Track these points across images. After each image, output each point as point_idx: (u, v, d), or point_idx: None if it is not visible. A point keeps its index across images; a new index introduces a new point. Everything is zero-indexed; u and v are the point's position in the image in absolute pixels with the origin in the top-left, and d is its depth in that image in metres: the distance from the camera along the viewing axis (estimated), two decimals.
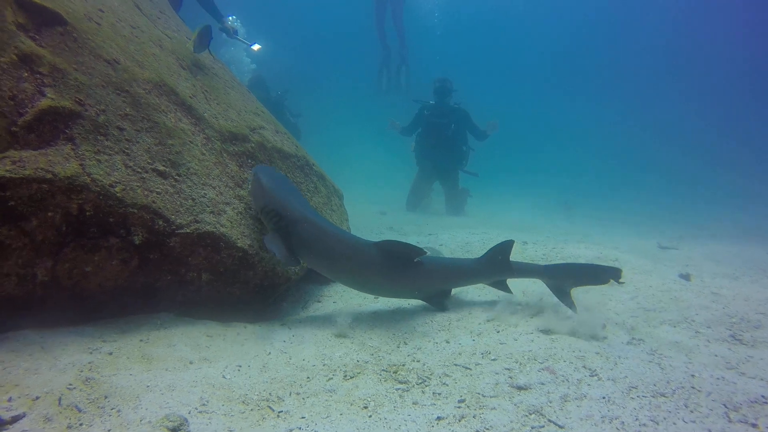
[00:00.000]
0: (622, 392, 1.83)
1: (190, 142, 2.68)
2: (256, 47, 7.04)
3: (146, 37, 2.95)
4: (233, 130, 3.07)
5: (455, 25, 30.42)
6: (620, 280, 2.76)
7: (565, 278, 2.84)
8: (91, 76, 2.31)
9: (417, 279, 2.80)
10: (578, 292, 2.92)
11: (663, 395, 1.81)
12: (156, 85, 2.67)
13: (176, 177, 2.47)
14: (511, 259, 2.90)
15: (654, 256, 5.15)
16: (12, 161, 1.92)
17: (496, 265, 2.88)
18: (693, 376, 1.97)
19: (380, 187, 11.65)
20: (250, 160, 3.11)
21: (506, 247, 2.86)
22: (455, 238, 5.80)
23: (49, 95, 2.10)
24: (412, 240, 5.74)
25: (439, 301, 2.93)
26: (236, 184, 2.87)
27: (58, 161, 2.04)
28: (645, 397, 1.80)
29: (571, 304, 2.76)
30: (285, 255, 2.53)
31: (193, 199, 2.49)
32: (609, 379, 1.93)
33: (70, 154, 2.09)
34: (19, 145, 1.98)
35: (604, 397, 1.79)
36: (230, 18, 6.17)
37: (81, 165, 2.10)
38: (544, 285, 2.93)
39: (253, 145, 3.17)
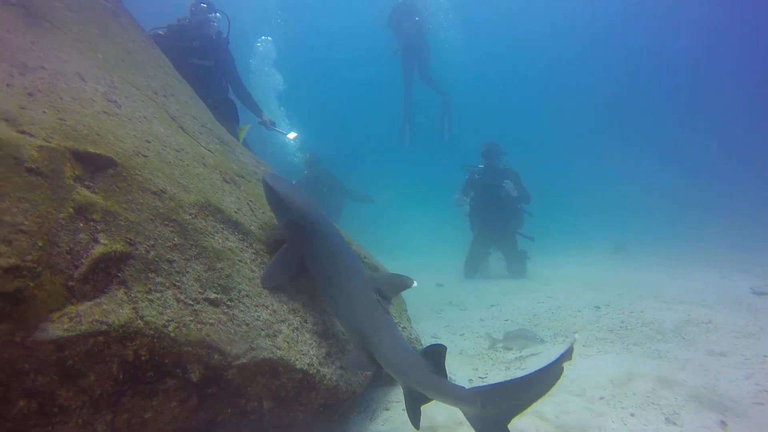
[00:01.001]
0: None
1: (239, 261, 2.62)
2: (291, 135, 7.27)
3: (190, 157, 3.01)
4: (281, 239, 3.01)
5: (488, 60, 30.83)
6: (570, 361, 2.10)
7: (504, 406, 2.08)
8: (140, 212, 2.32)
9: (373, 326, 2.40)
10: (674, 368, 2.53)
11: None
12: (202, 206, 2.67)
13: (228, 303, 2.39)
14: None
15: (753, 308, 4.57)
16: (69, 318, 1.88)
17: (424, 372, 2.17)
18: None
19: (433, 254, 11.40)
20: None
21: (439, 350, 2.17)
22: (520, 309, 5.43)
23: (102, 241, 2.10)
24: (474, 314, 5.43)
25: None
26: (290, 297, 2.76)
27: (112, 309, 1.99)
28: None
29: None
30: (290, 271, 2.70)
31: (247, 324, 2.38)
32: None
33: (123, 298, 2.05)
34: (76, 299, 1.95)
35: None
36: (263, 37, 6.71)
37: (134, 309, 2.04)
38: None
39: None
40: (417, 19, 11.67)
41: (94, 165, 2.29)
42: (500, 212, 8.29)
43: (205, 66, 6.02)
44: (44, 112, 2.35)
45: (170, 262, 2.30)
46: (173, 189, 2.58)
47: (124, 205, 2.28)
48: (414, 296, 5.45)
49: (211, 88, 5.99)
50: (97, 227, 2.13)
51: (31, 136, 2.13)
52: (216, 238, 2.60)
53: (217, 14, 6.06)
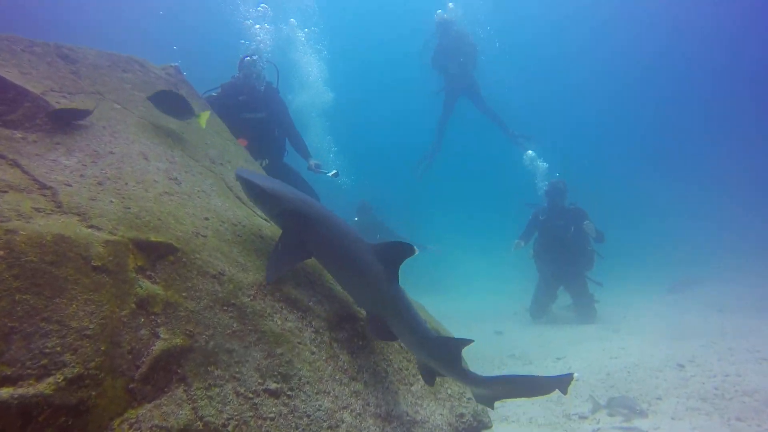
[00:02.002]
0: None
1: (298, 343, 2.52)
2: (332, 173, 7.23)
3: (247, 231, 3.00)
4: (340, 312, 2.91)
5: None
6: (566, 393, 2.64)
7: (497, 392, 2.83)
8: (199, 300, 2.29)
9: (386, 296, 2.68)
10: None
11: None
12: (260, 286, 2.61)
13: (288, 393, 2.28)
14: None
15: None
16: (129, 425, 1.83)
17: (443, 355, 2.68)
18: None
19: (490, 296, 10.96)
20: (360, 342, 2.89)
21: (463, 343, 2.66)
22: (591, 365, 5.00)
23: (162, 336, 2.06)
24: (539, 370, 5.06)
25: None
26: (351, 378, 2.62)
27: (172, 410, 1.92)
28: None
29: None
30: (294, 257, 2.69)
31: (309, 416, 2.26)
32: None
33: (182, 397, 1.98)
34: (137, 402, 1.91)
35: None
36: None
37: (193, 409, 1.96)
38: None
39: (362, 322, 2.97)
40: (462, 60, 11.55)
41: (156, 253, 2.29)
42: (568, 253, 7.85)
43: (256, 119, 6.12)
44: (111, 201, 2.40)
45: (229, 352, 2.23)
46: (232, 270, 2.55)
47: (183, 294, 2.25)
48: (472, 347, 5.17)
49: (264, 139, 6.08)
50: (158, 320, 2.10)
51: (99, 229, 2.16)
52: (275, 319, 2.52)
53: (263, 65, 6.19)
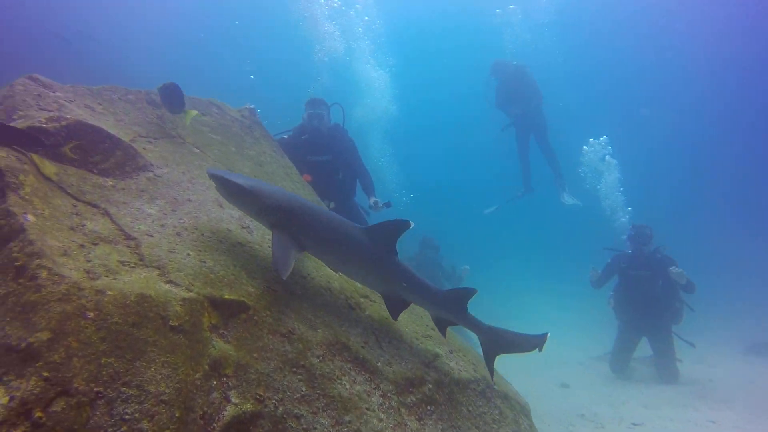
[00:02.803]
0: None
1: (366, 410, 2.39)
2: (385, 205, 7.11)
3: (316, 283, 2.95)
4: (408, 374, 2.77)
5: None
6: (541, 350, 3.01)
7: (499, 343, 3.05)
8: (269, 361, 2.23)
9: (389, 273, 2.83)
10: None
11: None
12: (329, 345, 2.53)
13: None
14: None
15: None
16: None
17: (452, 306, 2.97)
18: None
19: (554, 335, 10.32)
20: (429, 407, 2.72)
21: (469, 293, 2.94)
22: None
23: (233, 400, 2.01)
24: None
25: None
26: None
27: None
28: None
29: (491, 369, 3.11)
30: (291, 252, 2.51)
31: None
32: None
33: None
34: None
35: None
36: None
37: None
38: None
39: (430, 386, 2.81)
40: (526, 102, 11.22)
41: (229, 311, 2.28)
42: (654, 306, 7.08)
43: (321, 161, 6.19)
44: (188, 254, 2.43)
45: (298, 418, 2.14)
46: (301, 327, 2.49)
47: (254, 354, 2.20)
48: (536, 401, 4.79)
49: (329, 183, 6.12)
50: (229, 383, 2.05)
51: (177, 285, 2.17)
52: (343, 382, 2.42)
53: (327, 107, 6.26)
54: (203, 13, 25.63)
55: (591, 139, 13.55)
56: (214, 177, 2.68)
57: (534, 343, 3.02)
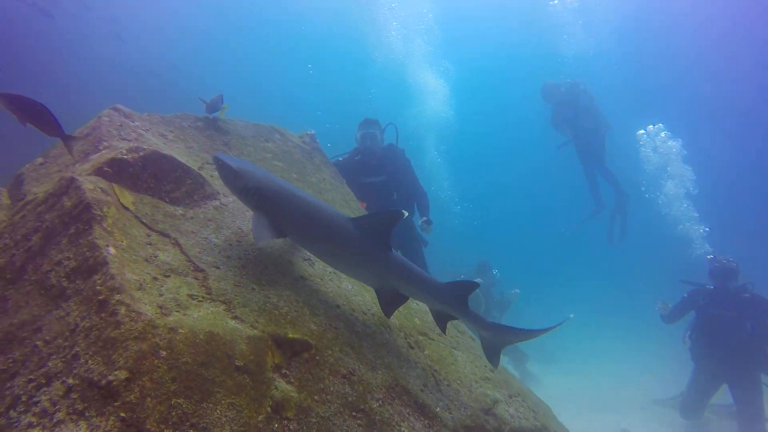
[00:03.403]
0: None
1: None
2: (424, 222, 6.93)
3: (376, 320, 2.91)
4: (467, 421, 2.65)
5: None
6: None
7: (502, 338, 2.91)
8: (330, 404, 2.19)
9: (381, 266, 2.71)
10: None
11: None
12: (388, 388, 2.46)
13: None
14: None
15: None
16: None
17: (452, 299, 2.79)
18: None
19: (612, 368, 9.72)
20: None
21: (470, 286, 2.82)
22: None
23: None
24: None
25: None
26: None
27: None
28: None
29: (496, 362, 2.97)
30: (268, 233, 2.50)
31: None
32: None
33: None
34: None
35: None
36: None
37: None
38: None
39: None
40: (582, 121, 10.80)
41: (292, 350, 2.26)
42: (740, 351, 6.26)
43: (376, 183, 6.17)
44: (253, 288, 2.45)
45: None
46: (362, 368, 2.44)
47: (315, 397, 2.17)
48: None
49: (384, 203, 6.08)
50: (291, 426, 2.02)
51: (242, 321, 2.19)
52: (402, 428, 2.34)
53: (380, 129, 6.23)
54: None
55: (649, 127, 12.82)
56: (214, 159, 2.82)
57: (532, 334, 2.91)
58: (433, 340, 3.20)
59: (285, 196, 2.66)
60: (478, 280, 9.37)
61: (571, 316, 3.53)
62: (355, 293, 3.02)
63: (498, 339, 2.89)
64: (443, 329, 2.94)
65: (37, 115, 2.57)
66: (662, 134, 12.96)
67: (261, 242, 2.54)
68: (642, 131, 13.36)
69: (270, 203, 2.62)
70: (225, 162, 2.71)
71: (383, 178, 6.22)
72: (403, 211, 2.61)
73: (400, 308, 3.21)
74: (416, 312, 3.42)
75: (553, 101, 11.20)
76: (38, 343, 1.94)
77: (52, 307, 2.07)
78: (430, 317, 3.50)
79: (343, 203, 4.35)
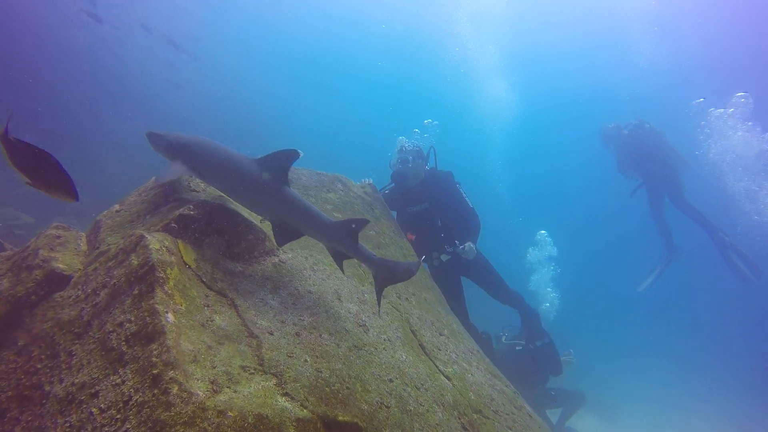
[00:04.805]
0: None
1: None
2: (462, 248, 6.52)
3: (429, 397, 2.73)
4: None
5: None
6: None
7: (391, 274, 3.03)
8: None
9: (276, 202, 2.96)
10: None
11: None
12: None
13: None
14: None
15: None
16: None
17: (344, 237, 2.96)
18: None
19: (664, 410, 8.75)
20: None
21: (360, 222, 2.94)
22: None
23: None
24: None
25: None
26: None
27: None
28: None
29: (379, 301, 3.06)
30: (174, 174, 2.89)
31: None
32: None
33: None
34: None
35: None
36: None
37: None
38: None
39: None
40: (651, 161, 10.10)
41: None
42: None
43: (420, 211, 5.96)
44: (306, 360, 2.38)
45: None
46: None
47: None
48: None
49: (430, 232, 5.87)
50: None
51: (293, 400, 2.11)
52: None
53: (411, 152, 5.96)
54: None
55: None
56: (146, 134, 3.17)
57: (410, 268, 3.05)
58: (488, 418, 2.97)
59: (197, 145, 3.02)
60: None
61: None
62: (409, 364, 2.88)
63: (385, 274, 3.03)
64: (341, 267, 3.13)
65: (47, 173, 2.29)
66: None
67: (162, 180, 3.01)
68: None
69: (186, 152, 2.99)
70: (152, 132, 3.15)
71: (426, 206, 6.00)
72: (298, 150, 2.88)
73: (455, 381, 3.03)
74: (472, 385, 3.20)
75: (615, 146, 10.62)
76: (94, 410, 1.95)
77: (110, 371, 2.10)
78: (485, 391, 3.27)
79: (401, 258, 4.26)
